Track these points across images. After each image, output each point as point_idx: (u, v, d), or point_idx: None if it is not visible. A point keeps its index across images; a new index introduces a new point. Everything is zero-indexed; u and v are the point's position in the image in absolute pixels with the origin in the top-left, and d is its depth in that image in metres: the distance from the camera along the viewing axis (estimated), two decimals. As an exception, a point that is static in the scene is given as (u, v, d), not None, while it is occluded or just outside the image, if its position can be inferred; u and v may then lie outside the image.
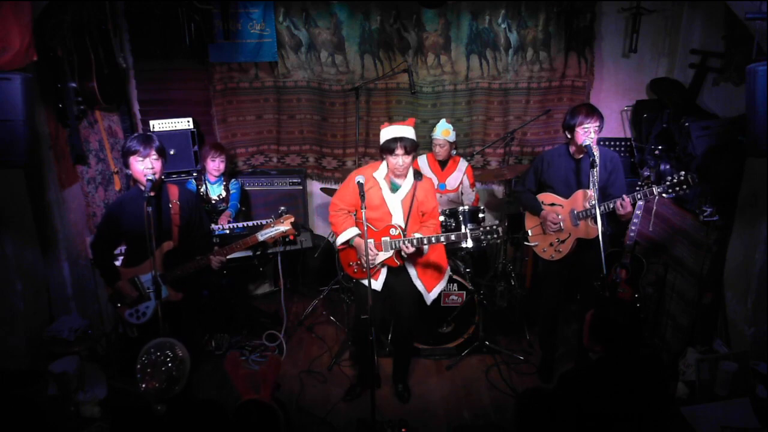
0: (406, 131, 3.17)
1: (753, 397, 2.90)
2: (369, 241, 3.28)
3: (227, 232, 4.08)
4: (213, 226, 4.07)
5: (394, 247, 3.23)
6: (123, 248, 3.57)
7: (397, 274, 3.43)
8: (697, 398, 2.96)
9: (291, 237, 3.27)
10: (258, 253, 4.28)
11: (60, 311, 3.70)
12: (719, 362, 2.96)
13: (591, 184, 3.18)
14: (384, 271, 3.43)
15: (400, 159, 3.16)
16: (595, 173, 3.15)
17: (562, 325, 4.27)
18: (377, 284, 3.43)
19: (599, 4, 4.68)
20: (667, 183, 3.06)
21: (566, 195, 3.50)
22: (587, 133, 3.26)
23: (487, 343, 4.20)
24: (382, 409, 3.53)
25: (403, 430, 3.33)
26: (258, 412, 2.55)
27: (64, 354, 3.25)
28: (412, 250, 3.20)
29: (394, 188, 3.32)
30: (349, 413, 3.60)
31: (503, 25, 4.73)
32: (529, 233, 3.71)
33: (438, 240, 3.17)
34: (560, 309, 3.96)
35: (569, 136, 3.39)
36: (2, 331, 3.30)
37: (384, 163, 3.30)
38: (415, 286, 3.48)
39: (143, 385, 2.22)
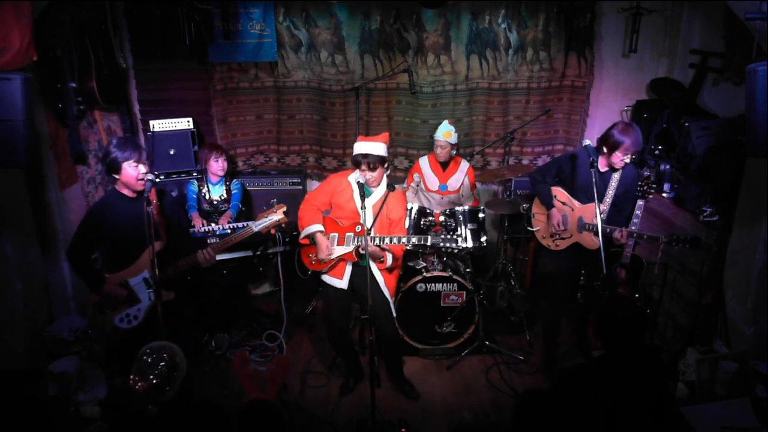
0: (373, 148, 3.29)
1: (753, 397, 2.90)
2: (333, 235, 3.43)
3: (228, 231, 4.08)
4: (214, 226, 4.07)
5: (355, 242, 3.35)
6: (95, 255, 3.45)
7: (363, 276, 3.31)
8: (697, 398, 2.96)
9: (284, 224, 3.42)
10: (258, 253, 4.28)
11: (60, 311, 3.70)
12: (719, 362, 2.96)
13: (608, 198, 3.31)
14: (348, 270, 3.47)
15: (367, 174, 3.31)
16: (613, 185, 3.35)
17: (563, 324, 4.26)
18: (342, 283, 3.48)
19: (599, 4, 4.67)
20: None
21: (582, 201, 3.53)
22: (624, 161, 3.34)
23: (487, 343, 4.20)
24: (382, 409, 3.53)
25: (403, 430, 3.33)
26: (264, 411, 2.56)
27: (64, 354, 3.24)
28: (372, 248, 3.27)
29: (367, 193, 3.38)
30: (349, 413, 3.61)
31: (503, 25, 4.73)
32: (534, 216, 3.72)
33: (400, 240, 3.26)
34: (564, 309, 3.96)
35: (605, 150, 3.38)
36: (2, 331, 3.29)
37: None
38: (382, 291, 3.48)
39: (137, 386, 2.21)
